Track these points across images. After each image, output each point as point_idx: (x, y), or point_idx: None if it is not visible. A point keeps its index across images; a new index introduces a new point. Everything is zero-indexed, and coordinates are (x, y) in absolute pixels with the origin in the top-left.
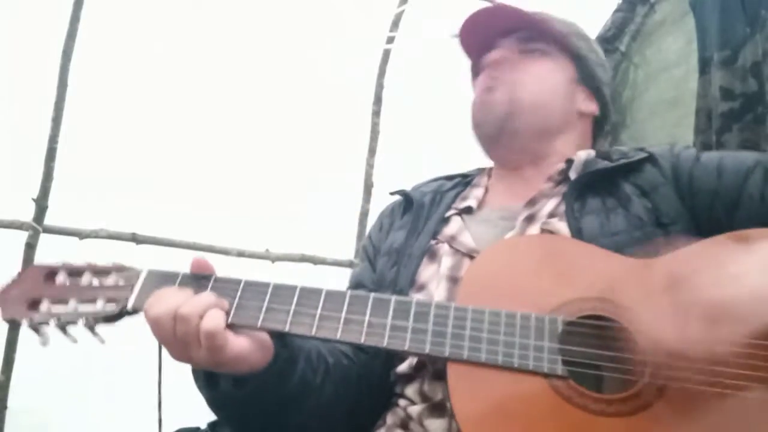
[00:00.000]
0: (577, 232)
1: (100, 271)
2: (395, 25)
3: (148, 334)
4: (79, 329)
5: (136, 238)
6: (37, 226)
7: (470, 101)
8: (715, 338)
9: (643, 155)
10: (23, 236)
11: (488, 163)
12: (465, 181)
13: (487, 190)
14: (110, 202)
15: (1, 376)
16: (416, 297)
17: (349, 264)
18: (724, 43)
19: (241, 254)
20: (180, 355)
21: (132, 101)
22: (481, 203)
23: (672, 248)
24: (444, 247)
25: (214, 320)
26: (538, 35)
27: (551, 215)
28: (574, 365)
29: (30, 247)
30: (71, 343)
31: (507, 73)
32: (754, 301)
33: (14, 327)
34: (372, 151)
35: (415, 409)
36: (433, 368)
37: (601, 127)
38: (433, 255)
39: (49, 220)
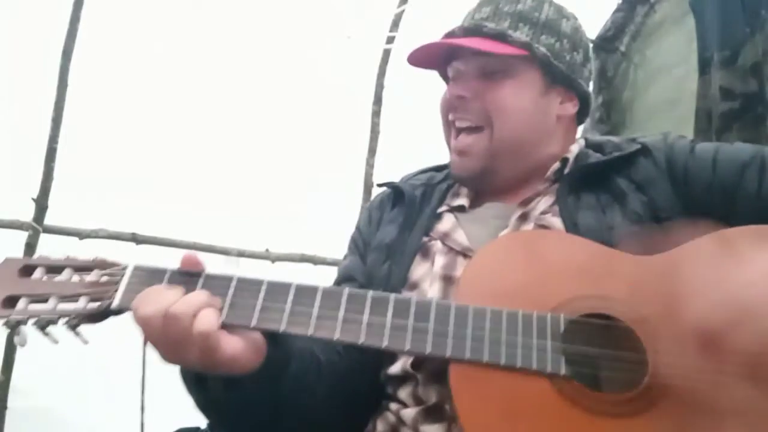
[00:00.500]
0: (573, 227)
1: (82, 267)
2: (395, 25)
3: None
4: (59, 329)
5: (136, 238)
6: (37, 226)
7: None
8: (718, 339)
9: (636, 147)
10: (23, 236)
11: None
12: None
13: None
14: (110, 202)
15: (1, 376)
16: (412, 295)
17: None
18: (724, 43)
19: (241, 254)
20: (171, 356)
21: (132, 101)
22: (473, 200)
23: (672, 244)
24: (437, 245)
25: (208, 320)
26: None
27: (545, 212)
28: (577, 365)
29: (30, 247)
30: (52, 343)
31: (476, 114)
32: (757, 303)
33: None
34: (372, 151)
35: (408, 413)
36: (428, 370)
37: (584, 112)
38: (426, 252)
39: (49, 220)
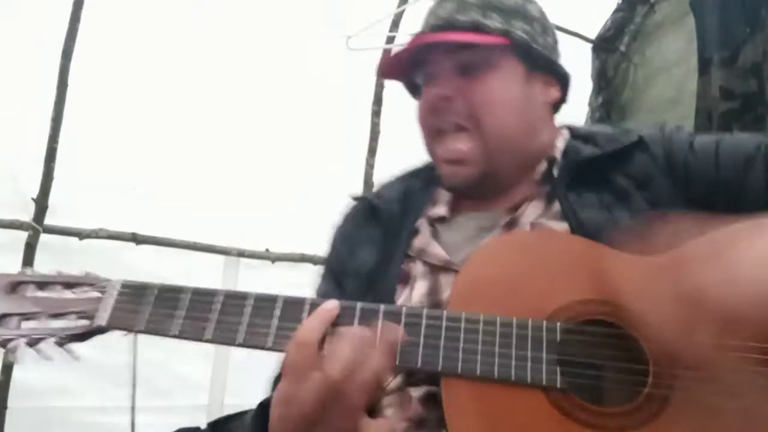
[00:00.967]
0: (579, 228)
1: (71, 283)
2: (395, 25)
3: (143, 335)
4: (49, 346)
5: (136, 238)
6: (37, 226)
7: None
8: (725, 344)
9: (633, 138)
10: (23, 236)
11: None
12: (434, 175)
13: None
14: (110, 202)
15: (1, 376)
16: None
17: None
18: (724, 43)
19: (241, 254)
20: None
21: (132, 101)
22: (453, 207)
23: (676, 242)
24: (417, 267)
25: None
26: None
27: (540, 217)
28: (575, 376)
29: (30, 247)
30: (45, 360)
31: (461, 115)
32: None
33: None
34: (372, 151)
35: (398, 429)
36: (419, 384)
37: (563, 97)
38: (405, 279)
39: (49, 220)
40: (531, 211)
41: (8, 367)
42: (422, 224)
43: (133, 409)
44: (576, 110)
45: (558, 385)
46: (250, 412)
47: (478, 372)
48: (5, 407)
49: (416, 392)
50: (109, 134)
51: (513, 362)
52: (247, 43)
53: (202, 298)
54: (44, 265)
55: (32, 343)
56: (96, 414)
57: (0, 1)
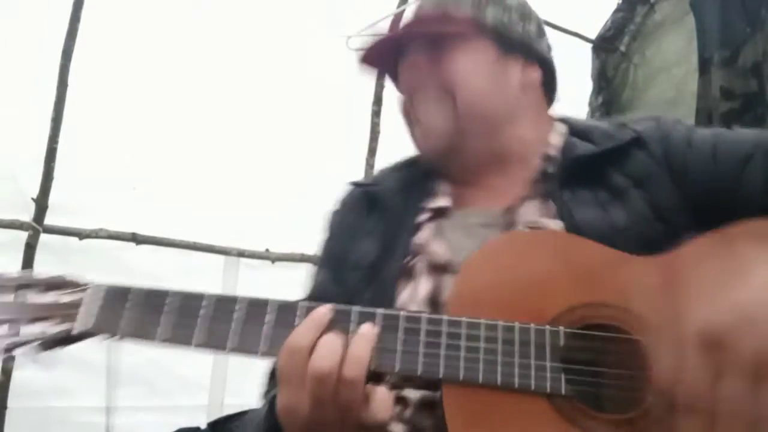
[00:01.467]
0: (573, 227)
1: (51, 285)
2: (395, 24)
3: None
4: (28, 351)
5: (136, 238)
6: (37, 226)
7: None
8: (727, 350)
9: (629, 135)
10: (23, 236)
11: None
12: (432, 166)
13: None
14: (110, 202)
15: (1, 376)
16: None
17: None
18: (724, 43)
19: (241, 254)
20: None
21: (132, 101)
22: (457, 200)
23: (681, 243)
24: (420, 264)
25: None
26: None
27: (537, 216)
28: (579, 383)
29: (30, 247)
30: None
31: (436, 89)
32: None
33: None
34: (372, 151)
35: None
36: (419, 391)
37: (552, 86)
38: (408, 275)
39: (49, 220)
40: (528, 210)
41: (8, 368)
42: (424, 219)
43: (108, 409)
44: (576, 110)
45: (562, 392)
46: (250, 411)
47: (481, 379)
48: (5, 407)
49: (414, 395)
50: (109, 134)
51: (516, 369)
52: (247, 43)
53: (191, 302)
54: (44, 265)
55: (10, 348)
56: (96, 414)
57: (0, 1)
